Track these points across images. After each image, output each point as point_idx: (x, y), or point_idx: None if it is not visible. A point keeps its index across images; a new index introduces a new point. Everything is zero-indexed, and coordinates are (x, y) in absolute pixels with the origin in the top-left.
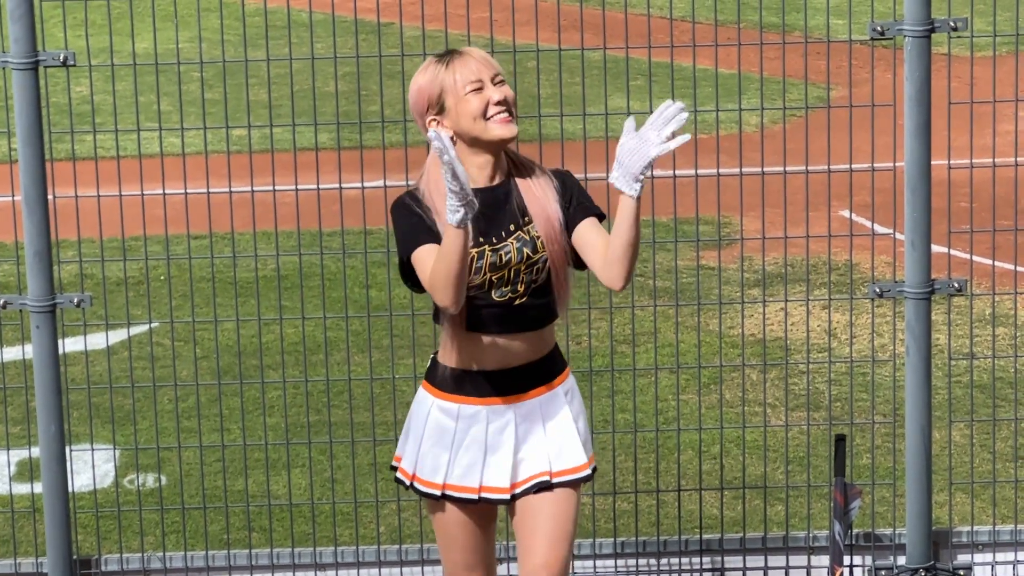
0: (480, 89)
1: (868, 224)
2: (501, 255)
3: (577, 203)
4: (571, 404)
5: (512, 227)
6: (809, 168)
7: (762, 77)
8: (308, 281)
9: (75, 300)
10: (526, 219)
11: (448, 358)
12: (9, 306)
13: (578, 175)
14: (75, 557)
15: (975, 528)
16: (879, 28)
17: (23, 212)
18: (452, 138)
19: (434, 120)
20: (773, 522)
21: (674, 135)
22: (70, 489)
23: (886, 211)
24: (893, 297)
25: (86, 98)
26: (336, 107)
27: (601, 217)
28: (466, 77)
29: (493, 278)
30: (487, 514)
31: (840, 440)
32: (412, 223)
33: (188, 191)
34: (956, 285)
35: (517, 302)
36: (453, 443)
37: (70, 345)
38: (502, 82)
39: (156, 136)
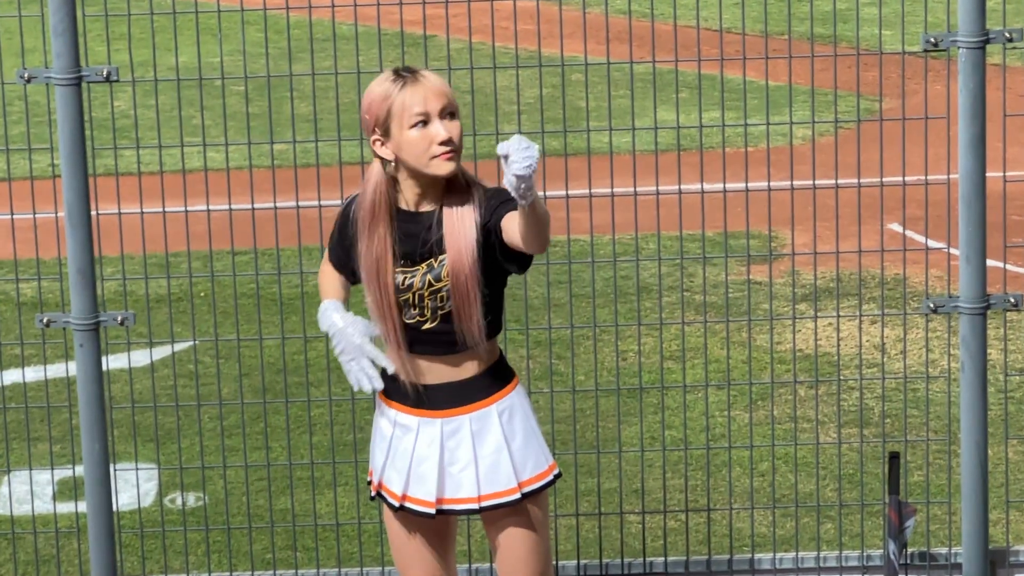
0: (426, 123)
1: (920, 238)
2: (405, 278)
3: (502, 206)
4: (505, 425)
5: (426, 254)
6: (860, 181)
7: (813, 89)
8: (354, 296)
9: (119, 318)
10: (440, 249)
11: (394, 367)
12: (52, 324)
13: (627, 188)
14: None
15: None
16: (932, 40)
17: (66, 229)
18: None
19: (379, 140)
20: (824, 540)
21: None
22: (114, 508)
23: (938, 224)
24: (947, 313)
25: (124, 112)
26: None
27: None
28: (412, 109)
29: (400, 300)
30: (429, 526)
31: (894, 457)
32: (334, 231)
33: (232, 207)
34: (1012, 300)
35: (426, 326)
36: (389, 448)
37: (111, 362)
38: (452, 115)
39: (195, 151)
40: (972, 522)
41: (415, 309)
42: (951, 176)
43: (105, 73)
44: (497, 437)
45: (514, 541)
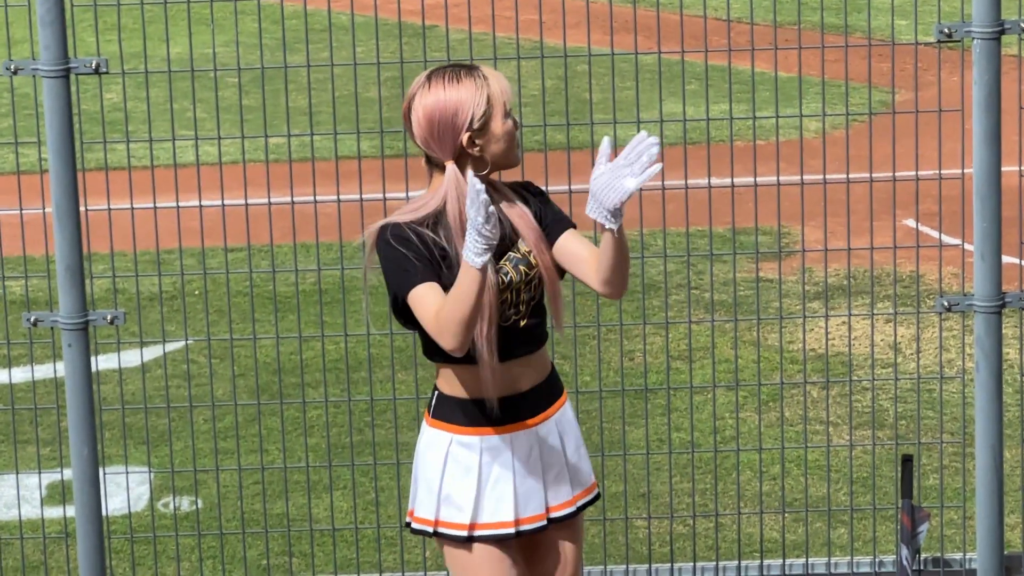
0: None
1: (934, 234)
2: (502, 278)
3: (553, 215)
4: (575, 417)
5: (505, 248)
6: (873, 175)
7: (824, 80)
8: (350, 295)
9: (108, 317)
10: (516, 237)
11: (458, 390)
12: (40, 323)
13: None
14: None
15: None
16: (946, 30)
17: (54, 225)
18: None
19: (471, 139)
20: (836, 546)
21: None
22: (104, 513)
23: (953, 220)
24: (962, 311)
25: (115, 104)
26: (380, 114)
27: (575, 226)
28: (506, 97)
29: (500, 300)
30: (515, 549)
31: (907, 460)
32: (409, 257)
33: (225, 203)
34: None
35: (521, 323)
36: (480, 479)
37: (101, 363)
38: None
39: (188, 145)
40: (987, 526)
41: (511, 308)
42: (966, 171)
43: (94, 65)
44: (576, 430)
45: (578, 545)
